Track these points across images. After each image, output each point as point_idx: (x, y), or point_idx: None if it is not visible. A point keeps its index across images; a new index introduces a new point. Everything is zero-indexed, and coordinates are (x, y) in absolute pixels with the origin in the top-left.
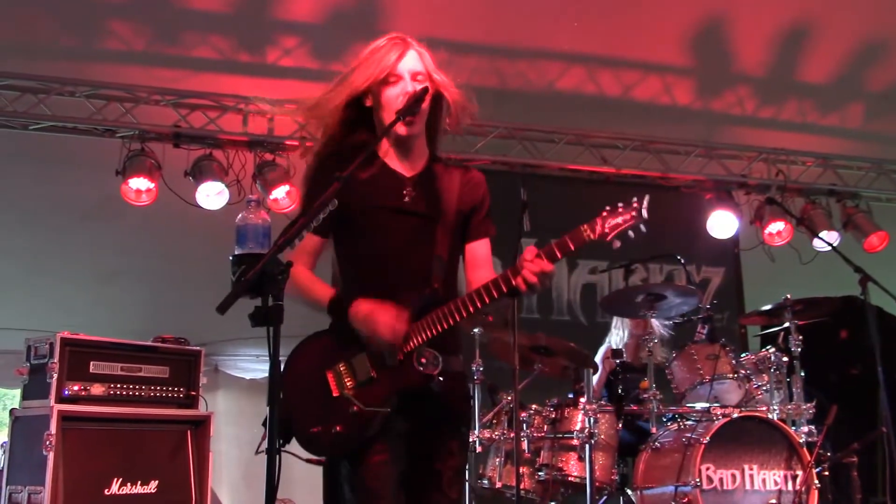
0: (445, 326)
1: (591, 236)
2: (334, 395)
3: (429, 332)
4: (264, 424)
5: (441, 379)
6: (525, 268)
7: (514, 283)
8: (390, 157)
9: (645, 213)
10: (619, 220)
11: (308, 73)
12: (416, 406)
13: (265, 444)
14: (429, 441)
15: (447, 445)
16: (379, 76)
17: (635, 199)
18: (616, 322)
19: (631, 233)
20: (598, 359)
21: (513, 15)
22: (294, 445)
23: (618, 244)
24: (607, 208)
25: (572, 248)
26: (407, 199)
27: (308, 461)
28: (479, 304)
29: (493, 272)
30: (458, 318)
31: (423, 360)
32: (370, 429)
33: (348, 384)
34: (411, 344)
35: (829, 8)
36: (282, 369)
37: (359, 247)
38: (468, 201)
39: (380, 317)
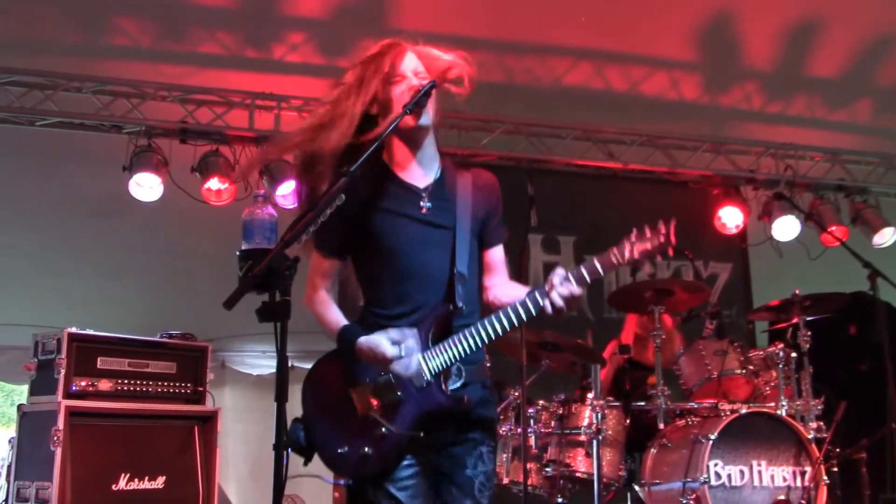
0: (473, 347)
1: (621, 261)
2: (360, 414)
3: (455, 353)
4: (287, 445)
5: (469, 400)
6: (554, 290)
7: (541, 305)
8: (403, 168)
9: (673, 240)
10: (648, 245)
11: (315, 69)
12: (444, 421)
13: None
14: (459, 450)
15: (477, 451)
16: (389, 76)
17: (662, 224)
18: None
19: (659, 257)
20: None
21: (520, 10)
22: (316, 464)
23: (648, 269)
24: (635, 233)
25: (601, 272)
26: (424, 210)
27: (333, 482)
28: (506, 327)
29: (507, 277)
30: (484, 340)
31: (450, 382)
32: (397, 449)
33: (374, 404)
34: (437, 364)
35: (837, 2)
36: (303, 385)
37: (377, 265)
38: (483, 207)
39: (385, 353)
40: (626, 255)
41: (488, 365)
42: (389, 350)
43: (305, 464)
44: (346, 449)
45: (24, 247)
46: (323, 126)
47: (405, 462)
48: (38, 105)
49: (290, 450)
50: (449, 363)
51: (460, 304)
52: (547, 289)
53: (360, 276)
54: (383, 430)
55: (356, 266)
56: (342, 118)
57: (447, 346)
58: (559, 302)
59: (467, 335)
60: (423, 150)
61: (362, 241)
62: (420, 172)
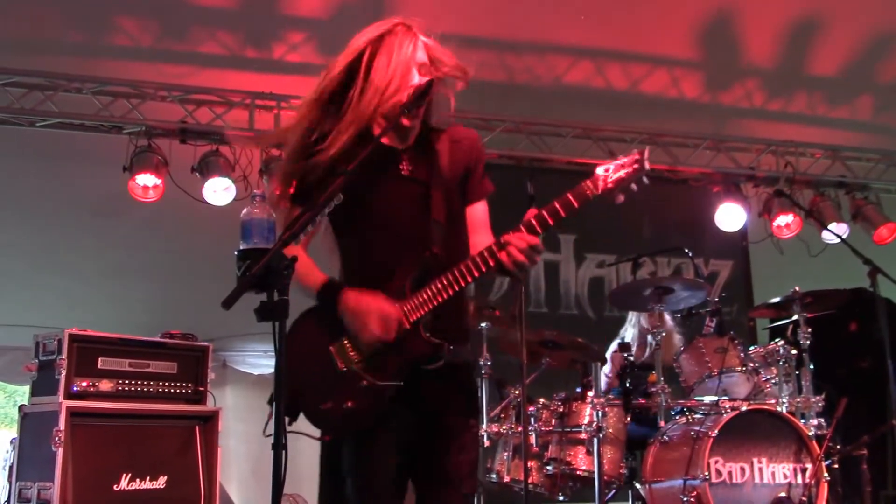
0: (445, 297)
1: (595, 192)
2: (340, 369)
3: (432, 303)
4: (270, 403)
5: (451, 348)
6: (511, 243)
7: (498, 257)
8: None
9: (647, 165)
10: (622, 172)
11: (315, 69)
12: (424, 394)
13: (272, 424)
14: (440, 437)
15: (460, 441)
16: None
17: (635, 150)
18: (630, 317)
19: (634, 185)
20: (608, 354)
21: (520, 9)
22: (302, 423)
23: (622, 198)
24: (605, 166)
25: (576, 206)
26: (404, 171)
27: (318, 439)
28: (469, 278)
29: (490, 235)
30: (455, 289)
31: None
32: (382, 403)
33: (354, 358)
34: (416, 315)
35: (838, 0)
36: (288, 334)
37: (356, 222)
38: (462, 161)
39: (370, 311)
40: (601, 185)
41: (489, 364)
42: (376, 327)
43: (290, 423)
44: (330, 405)
45: (25, 246)
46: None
47: (382, 437)
48: (38, 106)
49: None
50: (424, 310)
51: (436, 251)
52: (502, 242)
53: (339, 234)
54: (364, 383)
55: (334, 224)
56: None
57: (425, 294)
58: (516, 254)
59: (441, 285)
60: (406, 132)
61: (342, 203)
62: (401, 139)
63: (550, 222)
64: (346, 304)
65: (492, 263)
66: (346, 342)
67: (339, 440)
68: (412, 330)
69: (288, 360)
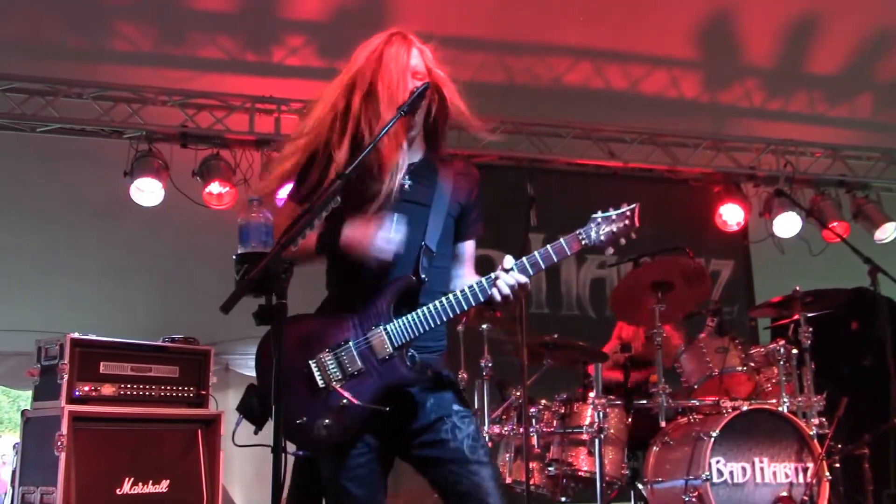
0: (428, 328)
1: (587, 243)
2: (321, 385)
3: (417, 327)
4: (238, 410)
5: (430, 373)
6: (500, 280)
7: (488, 293)
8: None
9: (637, 222)
10: (615, 229)
11: (315, 72)
12: (402, 403)
13: (238, 432)
14: (430, 435)
15: (449, 423)
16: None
17: (625, 207)
18: None
19: (623, 240)
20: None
21: (519, 10)
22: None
23: (611, 251)
24: (598, 216)
25: (553, 259)
26: (405, 187)
27: (293, 454)
28: (458, 309)
29: (472, 272)
30: (441, 318)
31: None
32: (359, 422)
33: (336, 375)
34: (399, 340)
35: None
36: (259, 353)
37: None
38: (463, 194)
39: (368, 230)
40: (593, 236)
41: (489, 366)
42: (373, 226)
43: (256, 432)
44: (305, 420)
45: (28, 250)
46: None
47: (359, 449)
48: (39, 111)
49: (241, 415)
50: (410, 336)
51: (424, 277)
52: (493, 278)
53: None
54: (344, 402)
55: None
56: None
57: (410, 320)
58: (505, 290)
59: (429, 310)
60: (410, 144)
61: (340, 214)
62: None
63: (543, 266)
64: (346, 240)
65: (482, 298)
66: (327, 358)
67: (313, 456)
68: (395, 353)
69: (264, 373)
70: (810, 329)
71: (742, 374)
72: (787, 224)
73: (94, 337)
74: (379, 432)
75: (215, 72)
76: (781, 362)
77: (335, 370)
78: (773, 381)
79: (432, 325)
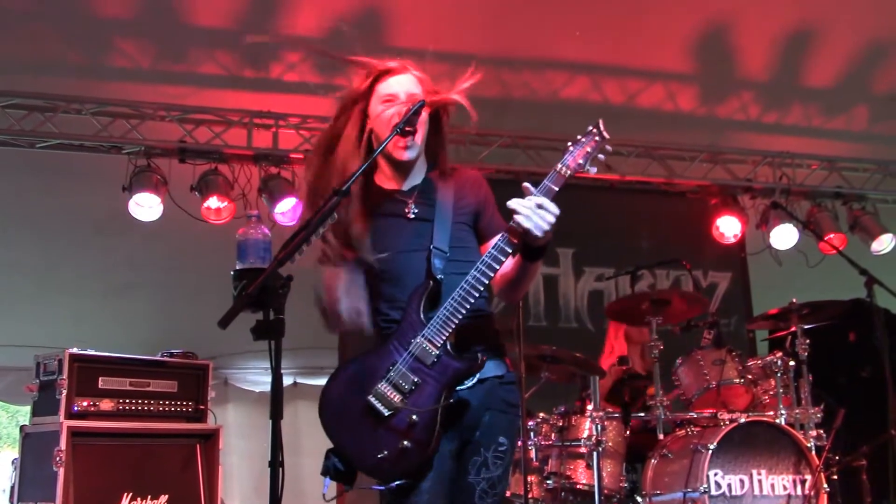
0: (464, 310)
1: (568, 172)
2: (387, 413)
3: (453, 320)
4: (323, 474)
5: (484, 359)
6: (518, 214)
7: (519, 233)
8: (389, 178)
9: (606, 135)
10: (588, 149)
11: (312, 88)
12: (458, 418)
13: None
14: (467, 455)
15: (482, 457)
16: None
17: (590, 126)
18: None
19: (601, 156)
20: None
21: (516, 25)
22: (362, 479)
23: (594, 170)
24: (570, 144)
25: (556, 189)
26: (410, 215)
27: (387, 488)
28: (485, 280)
29: None
30: (473, 297)
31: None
32: (433, 434)
33: (396, 400)
34: (440, 337)
35: (831, 11)
36: (321, 414)
37: (375, 274)
38: (469, 199)
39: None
40: (571, 164)
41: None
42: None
43: (348, 489)
44: (385, 452)
45: (27, 265)
46: (328, 152)
47: (426, 478)
48: (38, 127)
49: (329, 479)
50: (448, 331)
51: (439, 276)
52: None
53: (369, 287)
54: (413, 417)
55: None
56: (340, 141)
57: (442, 316)
58: (526, 223)
59: (455, 299)
60: (411, 170)
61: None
62: (405, 181)
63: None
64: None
65: (507, 251)
66: (383, 388)
67: (404, 484)
68: (441, 352)
69: (333, 431)
70: (808, 341)
71: (740, 386)
72: (784, 236)
73: (92, 352)
74: (444, 458)
75: (213, 87)
76: (779, 374)
77: (394, 394)
78: (771, 392)
79: (464, 311)
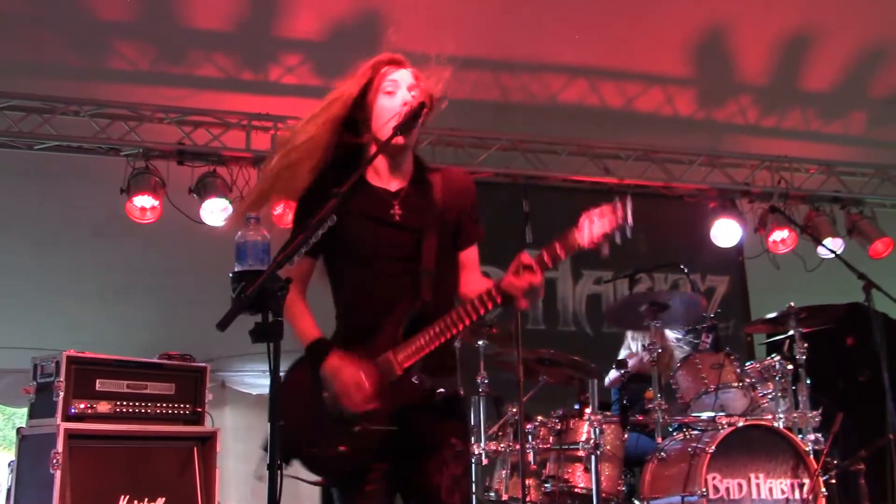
0: (443, 341)
1: (582, 245)
2: (334, 414)
3: (427, 350)
4: (265, 448)
5: (442, 391)
6: (510, 283)
7: (495, 298)
8: (377, 174)
9: (630, 220)
10: (606, 227)
11: (311, 91)
12: (415, 430)
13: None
14: (423, 458)
15: (440, 456)
16: (377, 83)
17: (618, 202)
18: (629, 336)
19: (618, 238)
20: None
21: (515, 29)
22: (296, 468)
23: (606, 251)
24: (590, 215)
25: (563, 256)
26: (396, 217)
27: (313, 483)
28: (467, 321)
29: (479, 275)
30: (453, 334)
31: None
32: (373, 446)
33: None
34: (410, 362)
35: (830, 15)
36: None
37: (348, 270)
38: (455, 207)
39: (346, 382)
40: (587, 237)
41: (486, 382)
42: (352, 376)
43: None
44: (322, 448)
45: (25, 268)
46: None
47: (372, 476)
48: (37, 129)
49: (265, 451)
50: (418, 356)
51: (427, 299)
52: (496, 284)
53: (332, 279)
54: (357, 428)
55: (328, 268)
56: (318, 124)
57: (417, 341)
58: (515, 290)
59: (438, 330)
60: (401, 161)
61: (335, 244)
62: (393, 179)
63: (549, 265)
64: (328, 370)
65: (490, 306)
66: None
67: (333, 484)
68: (403, 376)
69: (283, 407)
70: (806, 345)
71: (738, 390)
72: (782, 240)
73: (89, 354)
74: (390, 458)
75: (212, 90)
76: (777, 378)
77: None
78: (769, 396)
79: (441, 343)
